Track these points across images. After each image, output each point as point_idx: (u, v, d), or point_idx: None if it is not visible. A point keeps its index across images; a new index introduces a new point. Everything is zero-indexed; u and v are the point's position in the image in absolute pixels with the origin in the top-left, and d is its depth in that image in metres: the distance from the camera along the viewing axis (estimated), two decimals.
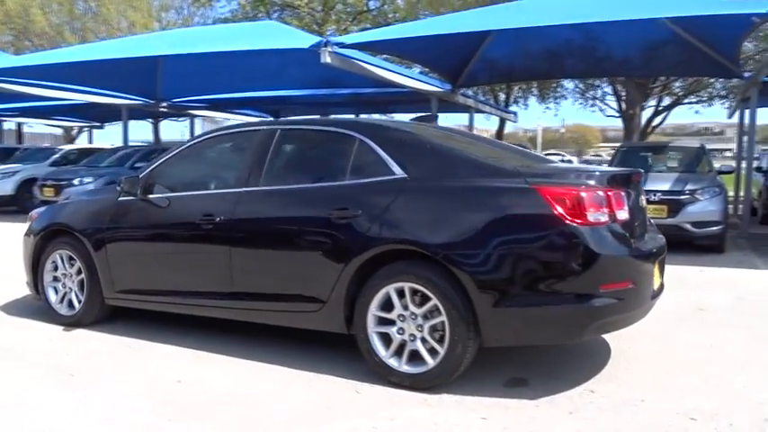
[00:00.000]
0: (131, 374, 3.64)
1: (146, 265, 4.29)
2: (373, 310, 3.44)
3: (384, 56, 12.59)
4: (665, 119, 23.18)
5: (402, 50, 11.10)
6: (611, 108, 22.42)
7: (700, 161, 9.51)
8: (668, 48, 10.87)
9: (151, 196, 4.26)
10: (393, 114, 19.42)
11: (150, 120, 25.20)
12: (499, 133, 23.80)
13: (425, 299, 3.31)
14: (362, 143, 3.68)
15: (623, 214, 3.28)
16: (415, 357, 3.37)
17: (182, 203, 4.17)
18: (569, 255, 3.07)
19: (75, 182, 12.22)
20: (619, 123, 21.38)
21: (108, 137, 31.93)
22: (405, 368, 3.38)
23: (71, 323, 4.60)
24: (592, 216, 3.10)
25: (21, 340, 4.31)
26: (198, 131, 24.77)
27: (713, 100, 21.93)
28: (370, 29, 22.46)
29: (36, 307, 5.04)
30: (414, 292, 3.34)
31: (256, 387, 3.43)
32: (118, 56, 11.07)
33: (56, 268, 4.70)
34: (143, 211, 4.27)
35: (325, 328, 3.69)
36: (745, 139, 11.77)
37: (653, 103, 21.26)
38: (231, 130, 4.55)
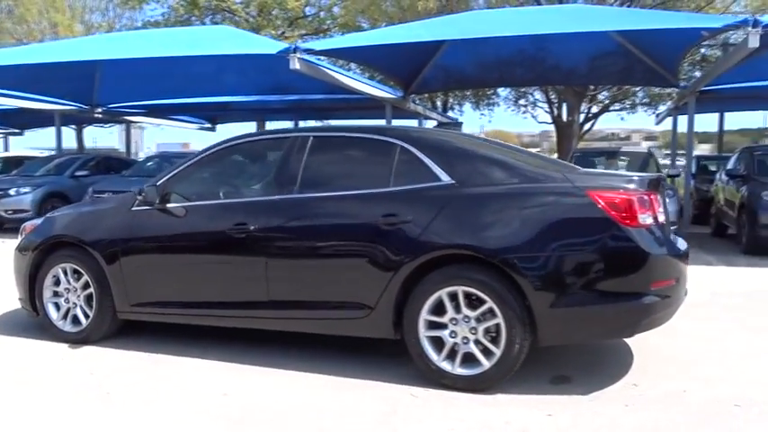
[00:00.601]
0: (171, 389, 3.52)
1: (167, 276, 4.14)
2: (425, 314, 3.48)
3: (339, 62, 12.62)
4: (593, 125, 24.34)
5: (365, 58, 11.17)
6: (546, 112, 23.27)
7: (648, 164, 10.10)
8: (612, 58, 11.47)
9: (172, 205, 4.13)
10: (334, 120, 19.39)
11: (73, 126, 24.00)
12: None
13: (479, 302, 3.39)
14: (404, 150, 3.72)
15: (661, 216, 3.49)
16: (467, 359, 3.44)
17: (208, 212, 4.07)
18: (623, 255, 3.24)
19: (12, 192, 11.50)
20: (534, 129, 22.23)
21: (26, 144, 29.98)
22: (459, 371, 3.44)
23: (77, 340, 4.37)
24: (641, 218, 3.28)
25: (30, 361, 4.06)
26: (133, 137, 23.89)
27: (635, 107, 23.23)
28: (308, 35, 22.48)
29: (27, 324, 4.79)
30: (467, 295, 3.41)
31: (312, 397, 3.39)
32: (58, 59, 10.52)
33: (57, 283, 4.46)
34: (163, 221, 4.13)
35: (371, 335, 3.70)
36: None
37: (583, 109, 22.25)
38: (256, 138, 4.48)
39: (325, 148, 4.00)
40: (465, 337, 3.44)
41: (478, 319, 3.41)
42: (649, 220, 3.32)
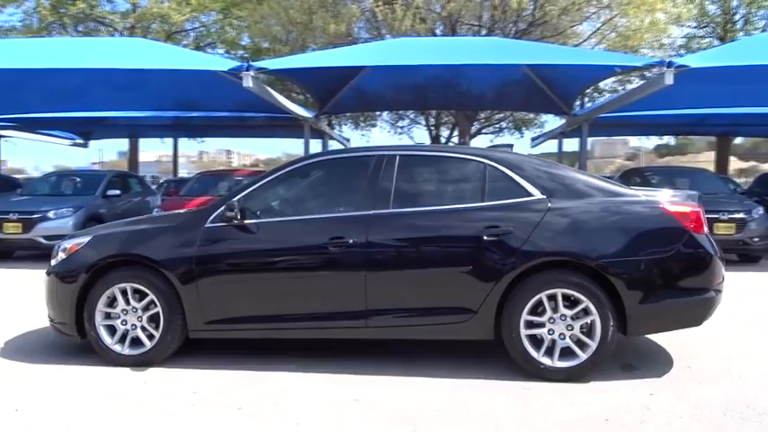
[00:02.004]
0: (310, 401, 3.58)
1: (251, 291, 4.15)
2: (525, 315, 3.90)
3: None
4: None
5: (301, 78, 11.31)
6: (425, 130, 24.54)
7: None
8: (517, 87, 12.67)
9: (257, 221, 4.18)
10: (230, 138, 19.05)
11: None
12: None
13: (575, 302, 3.89)
14: (493, 168, 4.14)
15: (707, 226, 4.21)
16: (564, 353, 3.91)
17: (298, 227, 4.17)
18: (695, 258, 3.91)
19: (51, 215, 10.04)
20: None
21: None
22: (558, 364, 3.89)
23: (139, 362, 4.22)
24: (704, 227, 3.98)
25: (114, 386, 3.87)
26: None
27: (502, 131, 25.33)
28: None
29: (58, 348, 4.50)
30: (564, 296, 3.89)
31: (447, 399, 3.64)
32: None
33: (110, 304, 4.27)
34: (245, 237, 4.15)
35: (472, 337, 4.04)
36: None
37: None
38: (336, 156, 4.63)
39: (412, 167, 4.28)
40: (561, 334, 3.91)
41: (574, 317, 3.89)
42: (706, 229, 4.03)
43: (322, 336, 4.21)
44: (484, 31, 16.18)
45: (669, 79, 8.27)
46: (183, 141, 23.47)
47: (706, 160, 38.77)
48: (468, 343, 4.35)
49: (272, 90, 10.53)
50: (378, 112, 22.71)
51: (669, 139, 44.61)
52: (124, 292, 4.24)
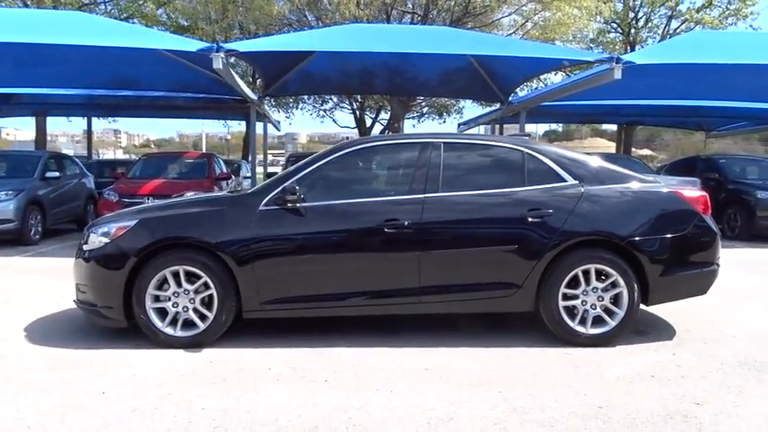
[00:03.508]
0: (386, 371, 3.84)
1: (306, 272, 4.33)
2: (563, 288, 4.36)
3: None
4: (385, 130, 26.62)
5: (260, 60, 11.18)
6: (350, 114, 24.74)
7: None
8: (460, 75, 13.19)
9: (310, 204, 4.35)
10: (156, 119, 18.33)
11: None
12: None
13: (606, 276, 4.39)
14: (530, 156, 4.54)
15: None
16: (596, 322, 4.41)
17: (352, 210, 4.38)
18: (704, 236, 4.51)
19: None
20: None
21: None
22: (591, 331, 4.39)
23: (192, 344, 4.30)
24: (709, 210, 4.59)
25: (190, 367, 3.94)
26: None
27: (423, 117, 26.07)
28: None
29: (100, 333, 4.48)
30: (597, 271, 4.38)
31: (503, 364, 4.02)
32: None
33: (160, 287, 4.31)
34: (300, 219, 4.32)
35: (517, 309, 4.45)
36: None
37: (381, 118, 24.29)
38: (383, 142, 4.85)
39: (457, 153, 4.60)
40: (593, 305, 4.40)
41: (604, 290, 4.39)
42: (710, 211, 4.64)
43: (377, 312, 4.46)
44: (418, 18, 16.61)
45: (618, 74, 9.03)
46: (63, 121, 22.21)
47: (590, 146, 41.77)
48: (503, 316, 4.76)
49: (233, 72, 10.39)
50: (306, 96, 22.64)
51: (557, 126, 47.33)
52: (176, 275, 4.29)
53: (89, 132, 21.48)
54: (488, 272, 4.37)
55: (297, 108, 25.83)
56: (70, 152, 37.77)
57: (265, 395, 3.47)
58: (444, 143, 4.60)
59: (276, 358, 4.09)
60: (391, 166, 4.81)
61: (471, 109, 38.62)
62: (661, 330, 4.84)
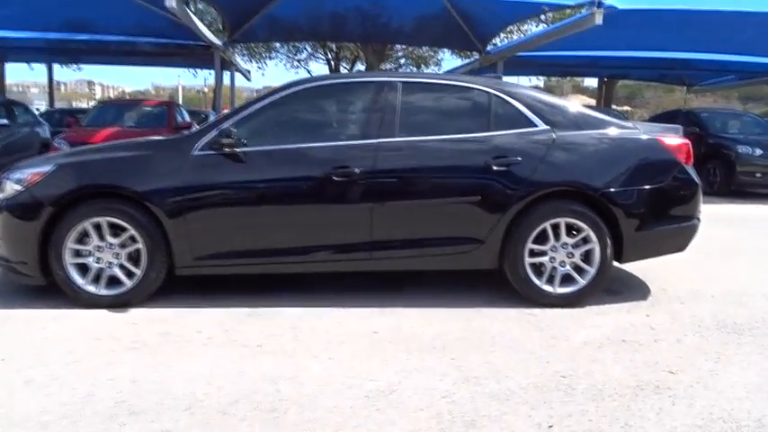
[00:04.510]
0: (329, 335, 3.44)
1: (245, 224, 3.88)
2: (529, 244, 3.96)
3: None
4: None
5: (219, 1, 10.47)
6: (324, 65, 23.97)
7: None
8: (436, 22, 12.58)
9: (249, 149, 3.87)
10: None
11: None
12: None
13: (578, 230, 3.99)
14: (498, 98, 4.08)
15: None
16: (564, 280, 4.03)
17: (297, 155, 3.90)
18: (685, 187, 4.12)
19: None
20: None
21: None
22: (559, 290, 4.01)
23: (116, 303, 3.86)
24: (691, 159, 4.19)
25: (111, 330, 3.50)
26: None
27: (400, 69, 25.25)
28: None
29: (14, 291, 4.02)
30: (567, 225, 3.97)
31: (461, 328, 3.64)
32: None
33: (81, 241, 3.84)
34: (238, 166, 3.84)
35: (478, 266, 4.05)
36: None
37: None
38: (337, 80, 4.33)
39: (417, 94, 4.12)
40: (562, 261, 4.01)
41: (575, 246, 4.00)
42: (692, 160, 4.24)
43: (323, 269, 4.05)
44: None
45: (599, 19, 8.54)
46: (25, 70, 21.25)
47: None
48: (462, 274, 4.38)
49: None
50: (278, 44, 21.76)
51: (539, 82, 46.75)
52: (97, 227, 3.81)
53: (50, 79, 20.52)
54: (448, 225, 3.95)
55: (269, 58, 24.92)
56: (42, 104, 36.53)
57: (187, 362, 3.05)
58: (403, 83, 4.11)
59: (209, 319, 3.67)
60: (343, 107, 4.31)
61: (450, 61, 37.78)
62: (634, 289, 4.50)
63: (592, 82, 28.08)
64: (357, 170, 3.83)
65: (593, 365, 3.08)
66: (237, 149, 3.84)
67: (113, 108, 11.60)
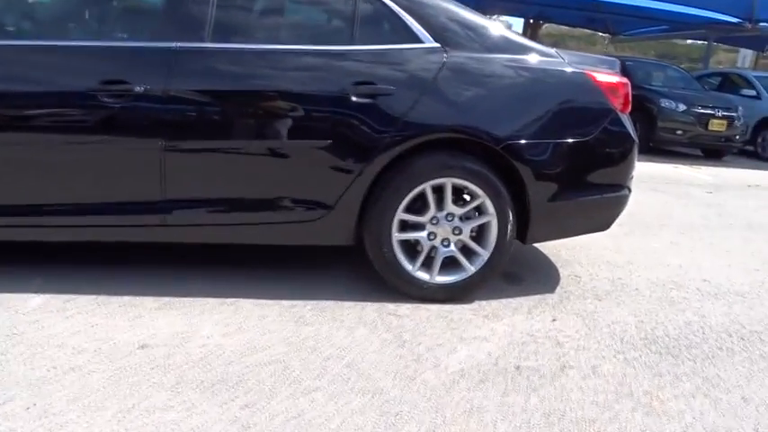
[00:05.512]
0: (59, 344, 2.15)
1: None
2: (400, 213, 2.76)
3: None
4: None
5: None
6: None
7: None
8: None
9: None
10: None
11: None
12: None
13: (471, 196, 2.82)
14: None
15: None
16: (447, 266, 2.87)
17: (47, 60, 2.48)
18: (618, 145, 2.99)
19: None
20: None
21: None
22: (438, 279, 2.85)
23: None
24: (629, 106, 3.06)
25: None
26: None
27: None
28: None
29: None
30: (455, 188, 2.79)
31: (285, 337, 2.44)
32: None
33: None
34: None
35: (324, 242, 2.81)
36: None
37: None
38: None
39: None
40: (445, 239, 2.84)
41: (464, 218, 2.84)
42: (629, 108, 3.11)
43: (92, 238, 2.69)
44: None
45: None
46: None
47: None
48: (307, 250, 3.15)
49: None
50: None
51: None
52: None
53: None
54: (279, 182, 2.67)
55: None
56: None
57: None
58: None
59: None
60: None
61: None
62: (540, 275, 3.43)
63: (517, 25, 26.92)
64: (139, 88, 2.45)
65: (432, 422, 1.94)
66: None
67: None
